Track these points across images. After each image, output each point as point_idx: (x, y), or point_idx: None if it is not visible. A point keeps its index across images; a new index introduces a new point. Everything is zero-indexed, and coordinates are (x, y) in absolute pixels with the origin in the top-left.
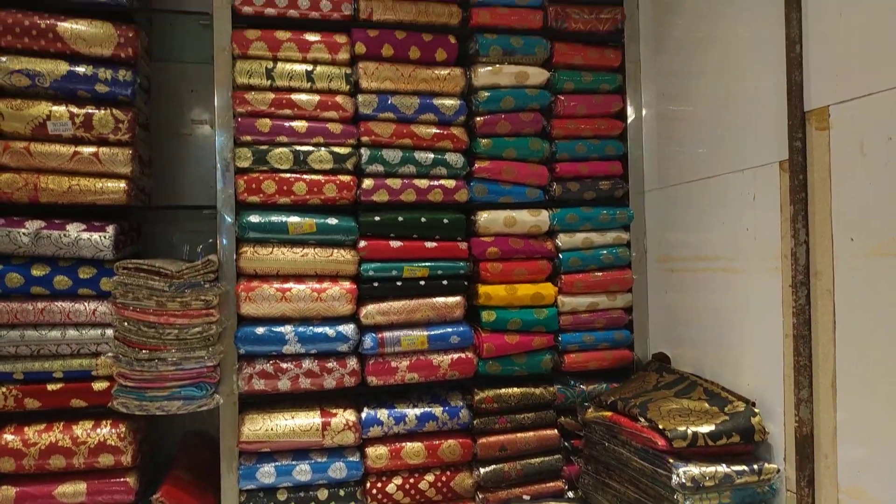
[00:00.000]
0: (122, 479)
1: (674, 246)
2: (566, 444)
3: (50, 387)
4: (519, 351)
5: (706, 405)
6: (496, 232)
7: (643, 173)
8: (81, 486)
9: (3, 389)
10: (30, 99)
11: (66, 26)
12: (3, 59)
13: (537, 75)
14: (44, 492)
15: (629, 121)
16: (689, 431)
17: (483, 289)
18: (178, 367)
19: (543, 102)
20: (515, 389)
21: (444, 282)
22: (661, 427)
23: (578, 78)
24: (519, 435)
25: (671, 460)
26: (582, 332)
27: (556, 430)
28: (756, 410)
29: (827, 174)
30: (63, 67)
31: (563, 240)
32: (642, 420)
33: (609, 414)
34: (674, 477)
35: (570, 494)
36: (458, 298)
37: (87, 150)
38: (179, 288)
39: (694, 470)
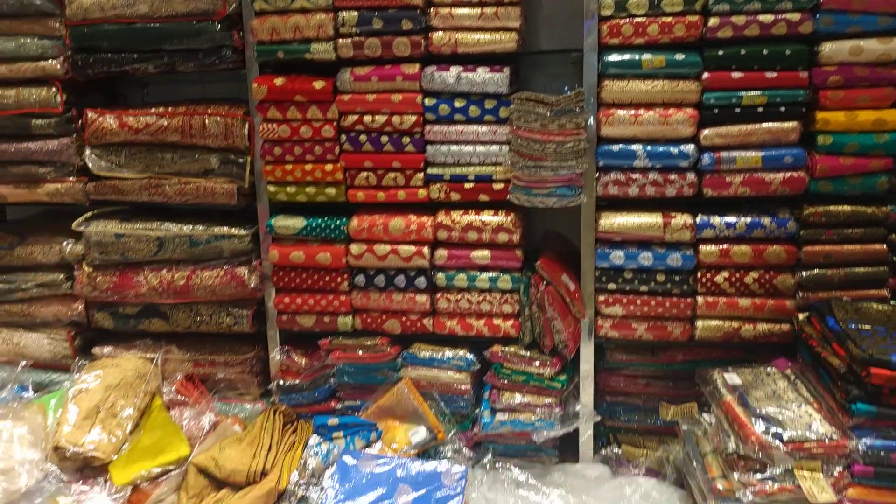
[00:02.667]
0: (512, 251)
1: None
2: (895, 258)
3: (466, 185)
4: (853, 172)
5: None
6: (840, 61)
7: None
8: (487, 253)
9: (438, 185)
10: None
11: None
12: None
13: None
14: (464, 254)
15: None
16: None
17: (821, 115)
18: (555, 172)
19: None
20: (846, 207)
21: (782, 108)
22: None
23: None
24: (846, 247)
25: None
26: None
27: (884, 246)
28: None
29: None
30: None
31: None
32: None
33: None
34: None
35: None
36: (794, 124)
37: (489, 10)
38: (557, 113)
39: None
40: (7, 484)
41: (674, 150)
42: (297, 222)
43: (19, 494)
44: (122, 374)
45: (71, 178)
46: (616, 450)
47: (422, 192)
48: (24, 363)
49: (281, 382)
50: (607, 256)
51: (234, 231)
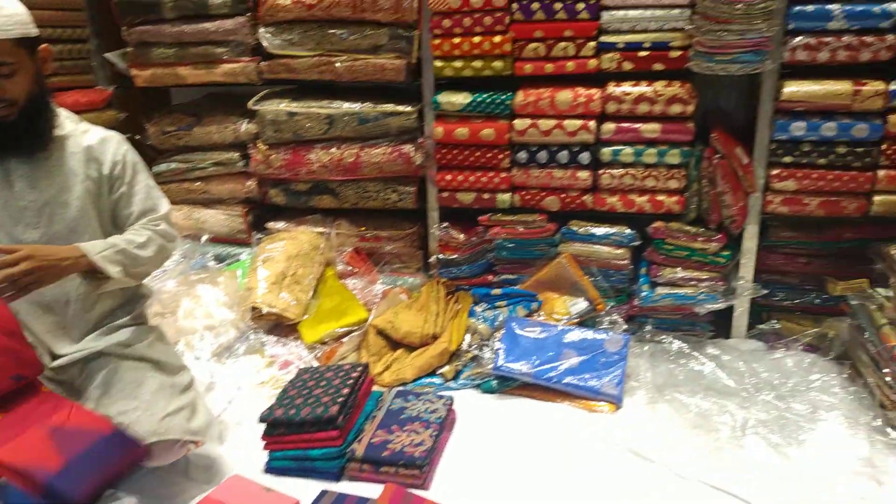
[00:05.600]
0: (684, 124)
1: None
2: None
3: (640, 54)
4: None
5: None
6: None
7: None
8: (657, 126)
9: (610, 55)
10: None
11: None
12: None
13: None
14: (633, 127)
15: None
16: None
17: None
18: (741, 36)
19: None
20: None
21: None
22: None
23: None
24: None
25: None
26: None
27: None
28: None
29: None
30: None
31: None
32: None
33: None
34: None
35: None
36: None
37: None
38: None
39: None
40: (213, 338)
41: (876, 8)
42: (462, 98)
43: (223, 347)
44: (299, 245)
45: (245, 58)
46: (776, 325)
47: (592, 63)
48: (205, 237)
49: (440, 256)
50: (787, 128)
51: (401, 108)
